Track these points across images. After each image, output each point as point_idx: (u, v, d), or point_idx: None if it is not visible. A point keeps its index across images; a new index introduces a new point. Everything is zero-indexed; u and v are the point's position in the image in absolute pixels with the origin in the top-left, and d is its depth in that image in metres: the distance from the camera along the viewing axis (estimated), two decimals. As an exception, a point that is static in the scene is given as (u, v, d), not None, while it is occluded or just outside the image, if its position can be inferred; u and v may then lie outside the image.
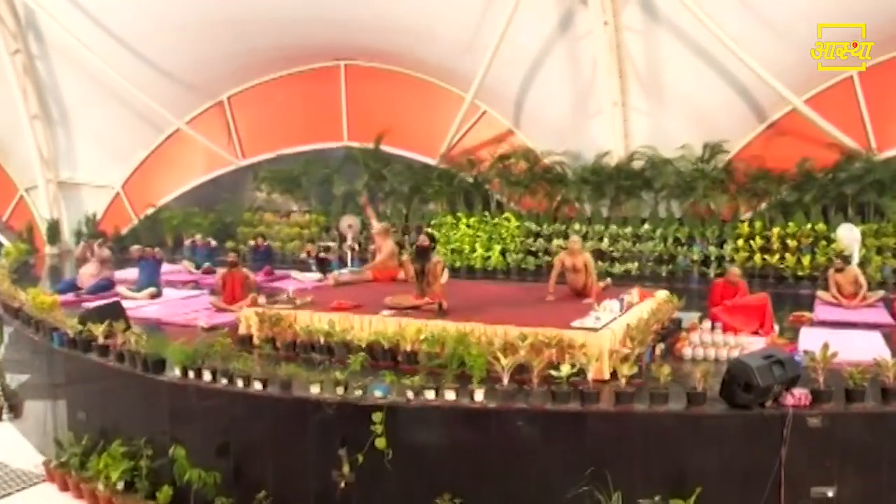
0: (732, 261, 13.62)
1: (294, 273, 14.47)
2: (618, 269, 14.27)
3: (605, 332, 7.61)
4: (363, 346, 8.13)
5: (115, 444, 7.91)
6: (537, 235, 15.50)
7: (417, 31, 16.68)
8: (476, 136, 17.67)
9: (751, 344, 8.40)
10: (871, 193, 13.55)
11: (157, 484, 7.51)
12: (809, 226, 13.68)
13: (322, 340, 8.36)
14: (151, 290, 12.33)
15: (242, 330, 8.97)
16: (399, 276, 11.24)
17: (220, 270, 15.23)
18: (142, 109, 19.43)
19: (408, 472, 6.72)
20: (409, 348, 7.99)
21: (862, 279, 11.15)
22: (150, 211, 20.25)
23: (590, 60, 15.64)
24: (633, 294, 9.08)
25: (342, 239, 16.71)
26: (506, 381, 6.79)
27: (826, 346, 6.80)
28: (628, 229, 14.88)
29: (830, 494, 6.50)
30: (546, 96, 16.41)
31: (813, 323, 10.27)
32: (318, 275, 14.45)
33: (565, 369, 6.70)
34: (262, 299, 9.24)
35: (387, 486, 6.79)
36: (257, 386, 7.15)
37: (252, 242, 15.86)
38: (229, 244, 17.49)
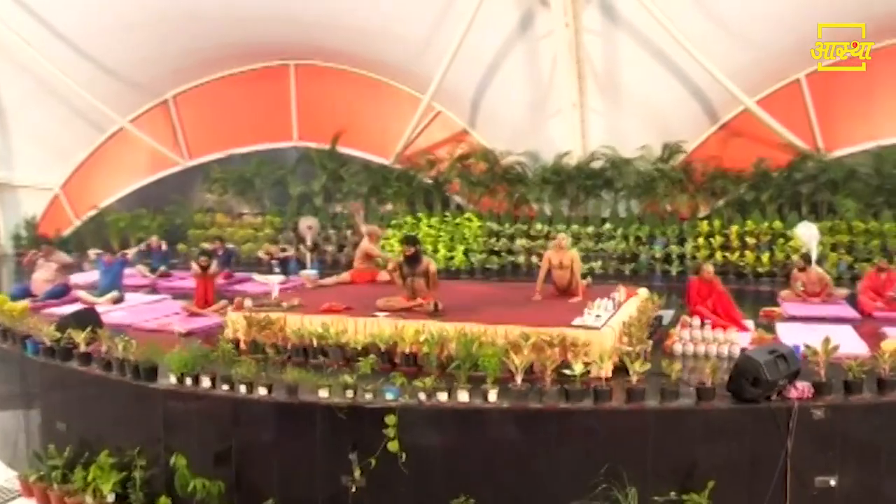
0: (694, 258, 14.01)
1: (255, 276, 14.17)
2: (582, 267, 14.37)
3: (607, 331, 7.69)
4: (359, 348, 8.02)
5: (102, 456, 7.58)
6: (499, 235, 15.56)
7: (372, 30, 16.59)
8: (430, 136, 17.69)
9: (738, 339, 8.62)
10: (825, 192, 14.10)
11: (152, 495, 7.24)
12: (766, 224, 14.13)
13: (315, 343, 8.20)
14: (114, 294, 11.89)
15: (229, 334, 8.72)
16: (377, 278, 11.14)
17: (178, 274, 14.99)
18: (83, 108, 18.78)
19: (420, 475, 6.65)
20: (407, 350, 7.92)
21: (827, 277, 11.54)
22: (92, 213, 19.52)
23: (549, 61, 15.83)
24: (622, 292, 9.19)
25: (299, 240, 16.43)
26: (519, 380, 6.78)
27: (828, 341, 7.02)
28: (590, 228, 15.09)
29: (833, 483, 6.71)
30: (504, 96, 16.53)
31: (784, 318, 10.58)
32: (280, 277, 14.17)
33: (578, 368, 6.73)
34: (248, 302, 8.99)
35: (398, 490, 6.70)
36: (262, 391, 6.96)
37: (209, 245, 15.42)
38: (181, 247, 17.02)
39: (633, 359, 6.87)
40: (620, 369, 7.27)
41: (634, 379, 6.75)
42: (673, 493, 6.42)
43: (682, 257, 14.20)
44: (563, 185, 15.43)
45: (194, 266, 11.07)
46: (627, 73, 15.65)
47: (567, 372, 6.80)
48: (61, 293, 12.33)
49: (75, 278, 13.54)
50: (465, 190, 16.40)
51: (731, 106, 15.67)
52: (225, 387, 7.12)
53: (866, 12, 13.95)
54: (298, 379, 6.96)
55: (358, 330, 8.32)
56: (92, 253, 12.61)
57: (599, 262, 14.59)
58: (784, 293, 11.89)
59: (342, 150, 18.11)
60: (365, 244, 11.53)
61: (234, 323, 8.74)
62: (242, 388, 7.04)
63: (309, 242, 15.90)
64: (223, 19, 17.00)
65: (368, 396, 6.79)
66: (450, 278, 14.85)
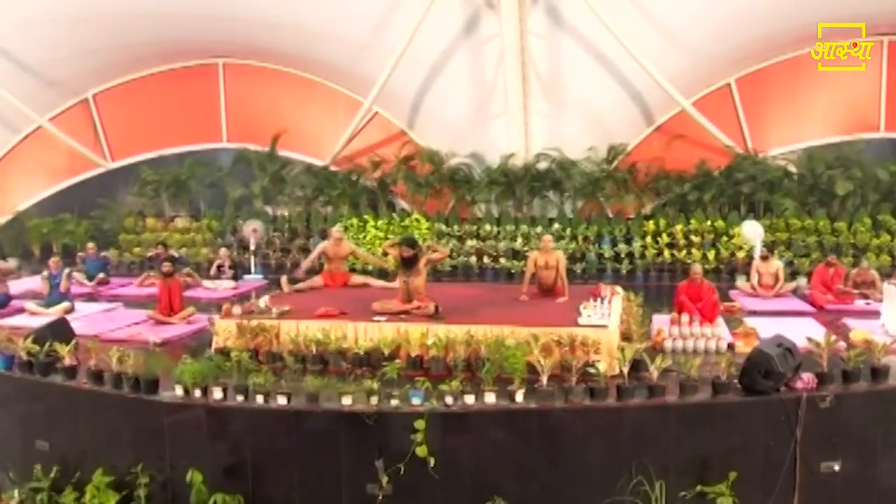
0: (643, 257, 14.40)
1: (205, 282, 13.66)
2: (534, 267, 14.58)
3: (613, 329, 7.84)
4: (361, 353, 7.89)
5: (97, 475, 7.16)
6: (448, 237, 15.56)
7: (310, 29, 16.24)
8: (366, 137, 17.46)
9: (724, 334, 8.96)
10: (763, 192, 14.78)
11: (158, 513, 6.91)
12: (709, 222, 14.70)
13: (314, 350, 8.00)
14: (65, 305, 11.23)
15: (219, 342, 8.39)
16: (350, 281, 10.96)
17: (117, 281, 14.31)
18: (-6, 106, 17.63)
19: (448, 479, 6.60)
20: (413, 353, 7.85)
21: (781, 272, 12.11)
22: (7, 217, 18.35)
23: (493, 63, 15.93)
24: (608, 291, 9.37)
25: (240, 244, 15.97)
26: (545, 380, 6.83)
27: (829, 333, 7.38)
28: (538, 228, 15.30)
29: (837, 468, 7.08)
30: (446, 98, 16.50)
31: (744, 312, 11.04)
32: (230, 283, 13.77)
33: (602, 366, 6.84)
34: (236, 309, 8.67)
35: (426, 495, 6.63)
36: (281, 400, 6.74)
37: (153, 251, 14.78)
38: (112, 253, 16.23)
39: (655, 354, 7.02)
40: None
41: (655, 375, 6.90)
42: (699, 487, 6.61)
43: (630, 256, 14.56)
44: (511, 185, 15.57)
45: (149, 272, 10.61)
46: (570, 77, 15.92)
47: (590, 370, 6.90)
48: (2, 304, 11.60)
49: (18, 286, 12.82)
50: (411, 191, 16.29)
51: (667, 109, 16.18)
52: (240, 397, 6.85)
53: (800, 19, 14.71)
54: (319, 387, 6.78)
55: (359, 335, 8.17)
56: (52, 262, 11.78)
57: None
58: (741, 283, 12.41)
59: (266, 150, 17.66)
60: (348, 249, 11.39)
61: (225, 330, 8.41)
62: (259, 398, 6.79)
63: (253, 246, 15.49)
64: (150, 16, 16.29)
65: (394, 402, 6.68)
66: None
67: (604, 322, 7.91)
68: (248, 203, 17.04)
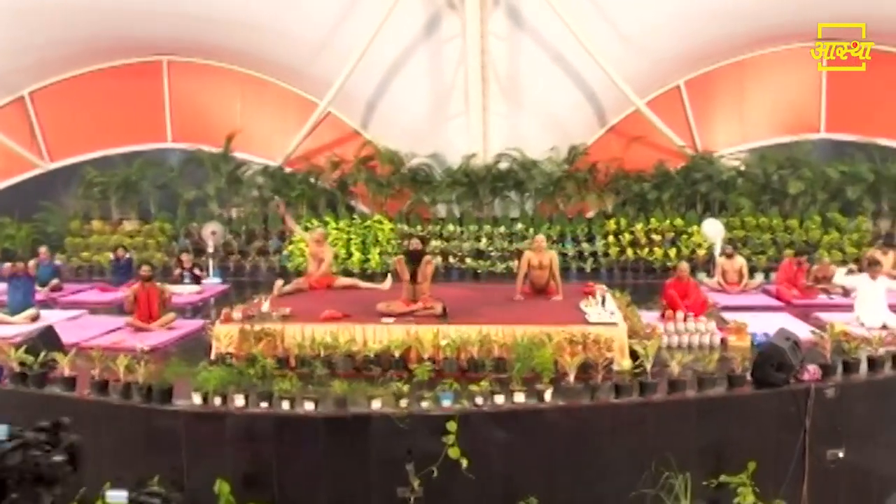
0: (606, 255, 14.69)
1: (168, 286, 13.20)
2: (499, 267, 14.70)
3: (623, 326, 7.99)
4: (371, 355, 7.81)
5: (106, 488, 6.84)
6: (410, 237, 15.48)
7: (263, 27, 15.93)
8: (318, 137, 17.21)
9: (715, 329, 9.22)
10: (719, 191, 15.28)
11: (176, 527, 6.65)
12: (668, 221, 15.10)
13: (322, 353, 7.87)
14: (31, 312, 10.70)
15: (221, 348, 8.15)
16: (336, 283, 10.81)
17: (70, 287, 13.71)
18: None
19: (479, 480, 6.59)
20: (426, 355, 7.81)
21: (745, 269, 12.54)
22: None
23: (452, 64, 15.99)
24: (603, 289, 9.53)
25: (195, 247, 15.54)
26: (572, 378, 6.90)
27: (833, 325, 7.69)
28: (501, 228, 15.43)
29: (841, 455, 7.39)
30: (403, 98, 16.45)
31: (718, 308, 11.38)
32: (194, 287, 13.38)
33: (626, 363, 6.96)
34: (236, 314, 8.44)
35: (456, 497, 6.60)
36: (308, 406, 6.60)
37: (112, 255, 14.20)
38: (59, 258, 15.53)
39: (676, 351, 7.18)
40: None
41: (677, 370, 7.06)
42: (722, 477, 6.79)
43: (594, 254, 14.83)
44: (474, 186, 15.64)
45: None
46: (528, 77, 16.11)
47: (615, 368, 7.01)
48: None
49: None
50: (372, 192, 16.15)
51: (620, 110, 16.57)
52: (264, 404, 6.67)
53: (748, 25, 15.32)
54: (348, 391, 6.67)
55: (367, 337, 8.07)
56: (6, 267, 11.17)
57: (517, 262, 14.83)
58: (706, 280, 12.79)
59: (212, 149, 17.21)
60: (313, 249, 11.19)
61: (226, 336, 8.17)
62: (285, 405, 6.63)
63: (211, 249, 15.11)
64: (89, 10, 15.65)
65: (425, 404, 6.63)
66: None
67: (614, 320, 8.04)
68: (201, 205, 16.57)
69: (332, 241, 15.24)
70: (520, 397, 6.73)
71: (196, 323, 10.52)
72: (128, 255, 13.97)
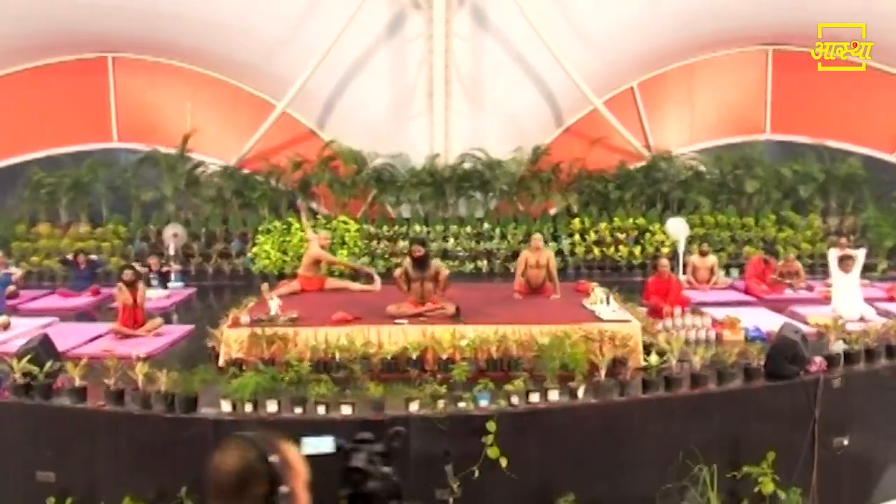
0: (573, 254, 14.92)
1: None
2: (468, 267, 14.73)
3: (637, 323, 8.15)
4: (389, 358, 7.74)
5: (126, 502, 6.60)
6: (378, 238, 15.40)
7: (221, 23, 15.54)
8: (270, 137, 16.85)
9: (709, 323, 9.50)
10: (679, 190, 15.73)
11: (206, 540, 6.44)
12: (631, 220, 15.45)
13: (338, 356, 7.75)
14: (2, 319, 10.16)
15: (230, 354, 7.92)
16: (327, 285, 10.65)
17: (27, 294, 13.08)
18: None
19: (516, 479, 6.62)
20: (445, 355, 7.79)
21: (717, 267, 12.95)
22: None
23: (415, 64, 15.97)
24: (600, 287, 9.68)
25: (153, 250, 15.02)
26: (603, 374, 7.00)
27: (836, 318, 8.03)
28: (468, 228, 15.48)
29: (846, 443, 7.74)
30: (363, 98, 16.31)
31: (694, 304, 11.71)
32: (162, 291, 12.97)
33: (654, 359, 7.11)
34: (244, 318, 8.21)
35: (495, 496, 6.62)
36: (345, 410, 6.50)
37: (71, 257, 13.55)
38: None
39: (698, 346, 7.37)
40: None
41: (699, 365, 7.25)
42: (745, 468, 7.01)
43: (560, 253, 15.02)
44: (440, 186, 15.64)
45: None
46: (489, 78, 16.21)
47: (643, 364, 7.15)
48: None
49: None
50: (336, 193, 15.96)
51: (577, 110, 16.86)
52: (298, 409, 6.53)
53: (699, 29, 15.81)
54: (385, 393, 6.60)
55: (382, 339, 7.99)
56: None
57: (486, 262, 14.94)
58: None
59: (166, 149, 16.73)
60: (316, 250, 11.01)
61: (236, 341, 7.96)
62: (321, 409, 6.51)
63: (172, 252, 14.66)
64: (36, 5, 15.01)
65: (462, 405, 6.62)
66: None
67: (626, 317, 8.19)
68: (156, 207, 16.03)
69: (297, 243, 15.04)
70: (554, 395, 6.79)
71: (183, 328, 10.20)
72: (94, 259, 13.38)
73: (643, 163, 16.41)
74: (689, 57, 17.27)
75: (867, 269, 13.40)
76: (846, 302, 10.28)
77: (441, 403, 6.60)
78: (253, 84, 16.79)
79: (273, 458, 2.12)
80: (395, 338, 7.99)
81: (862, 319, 9.80)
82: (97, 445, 6.94)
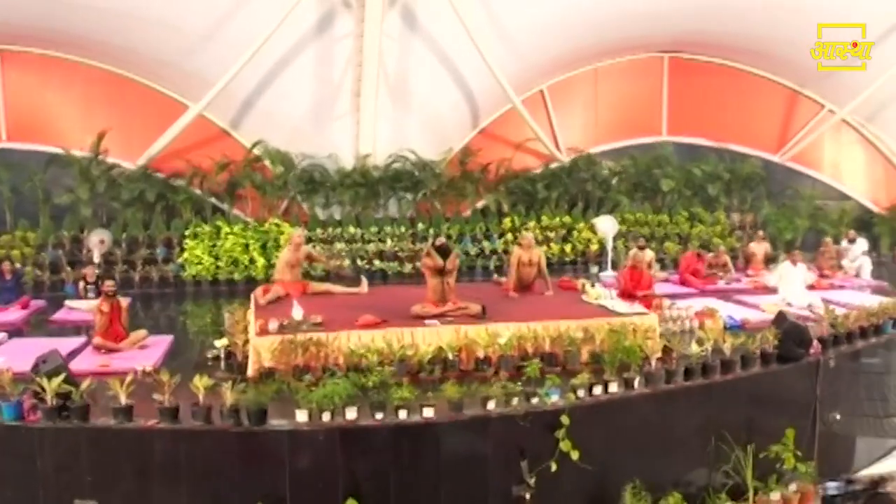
0: (506, 252, 15.26)
1: (68, 301, 11.90)
2: (407, 268, 14.74)
3: (654, 315, 8.59)
4: (427, 359, 7.75)
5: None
6: (312, 240, 15.06)
7: (136, 15, 14.68)
8: (182, 136, 16.11)
9: (692, 314, 10.11)
10: (600, 190, 16.50)
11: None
12: (558, 219, 16.04)
13: (375, 360, 7.65)
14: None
15: (262, 362, 7.61)
16: (310, 289, 10.36)
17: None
18: None
19: (585, 469, 6.84)
20: (482, 354, 7.90)
21: (654, 261, 13.70)
22: None
23: (342, 64, 15.77)
24: (580, 283, 10.09)
25: (71, 258, 13.97)
26: (653, 364, 7.37)
27: (827, 304, 8.85)
28: (402, 228, 15.50)
29: (838, 417, 8.57)
30: (285, 97, 15.95)
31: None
32: (95, 301, 12.07)
33: (695, 348, 7.56)
34: (272, 325, 7.89)
35: (568, 488, 6.82)
36: (427, 413, 6.47)
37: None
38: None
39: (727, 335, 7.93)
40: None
41: (729, 352, 7.79)
42: (771, 447, 7.61)
43: (494, 252, 15.35)
44: (374, 186, 15.55)
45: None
46: (414, 78, 16.28)
47: (685, 352, 7.59)
48: None
49: None
50: (264, 195, 15.47)
51: (493, 111, 17.31)
52: (379, 414, 6.43)
53: (604, 35, 16.65)
54: (464, 394, 6.63)
55: (417, 341, 7.96)
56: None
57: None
58: (605, 275, 13.81)
59: (52, 149, 15.56)
60: (305, 250, 10.72)
61: (268, 349, 7.65)
62: (402, 413, 6.44)
63: (97, 259, 13.70)
64: None
65: (534, 401, 6.77)
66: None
67: (643, 311, 8.62)
68: (67, 211, 14.86)
69: (230, 247, 14.47)
70: (614, 387, 7.08)
71: (163, 339, 9.63)
72: (18, 268, 12.27)
73: (559, 163, 17.07)
74: (594, 62, 18.16)
75: (769, 262, 14.77)
76: (794, 291, 11.26)
77: (514, 401, 6.71)
78: (168, 81, 15.95)
79: None
80: (428, 339, 7.98)
81: (810, 307, 10.73)
82: (151, 466, 6.50)
